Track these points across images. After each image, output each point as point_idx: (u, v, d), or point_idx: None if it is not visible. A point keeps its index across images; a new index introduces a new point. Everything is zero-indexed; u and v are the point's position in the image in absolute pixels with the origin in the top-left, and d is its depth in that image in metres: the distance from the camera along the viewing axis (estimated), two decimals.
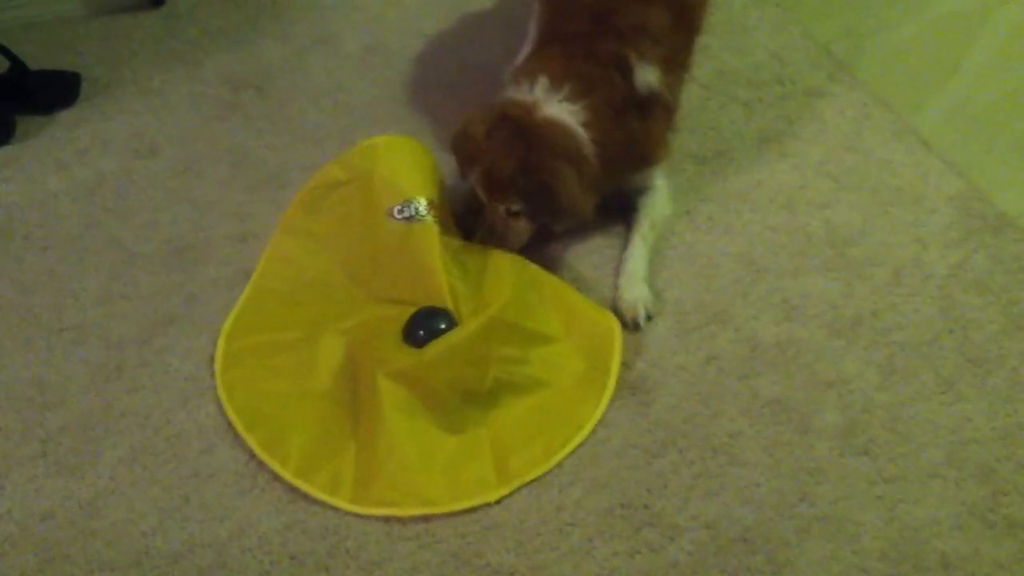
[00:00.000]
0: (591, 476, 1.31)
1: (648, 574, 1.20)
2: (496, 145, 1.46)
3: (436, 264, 1.48)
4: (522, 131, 1.44)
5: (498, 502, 1.28)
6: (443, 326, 1.42)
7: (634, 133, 1.53)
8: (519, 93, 1.50)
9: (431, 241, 1.50)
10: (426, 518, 1.27)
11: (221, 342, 1.50)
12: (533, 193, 1.46)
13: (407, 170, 1.62)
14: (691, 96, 1.97)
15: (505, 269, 1.52)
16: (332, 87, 2.06)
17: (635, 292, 1.52)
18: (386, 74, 2.10)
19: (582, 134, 1.45)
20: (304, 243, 1.64)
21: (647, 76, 1.51)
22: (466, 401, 1.37)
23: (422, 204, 1.55)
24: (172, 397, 1.45)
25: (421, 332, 1.43)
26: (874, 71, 2.02)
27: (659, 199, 1.67)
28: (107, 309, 1.59)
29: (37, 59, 2.09)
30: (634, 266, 1.56)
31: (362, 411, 1.37)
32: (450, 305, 1.45)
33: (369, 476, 1.30)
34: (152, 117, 2.00)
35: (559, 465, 1.32)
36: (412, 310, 1.46)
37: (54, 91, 2.03)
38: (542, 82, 1.48)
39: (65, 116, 2.00)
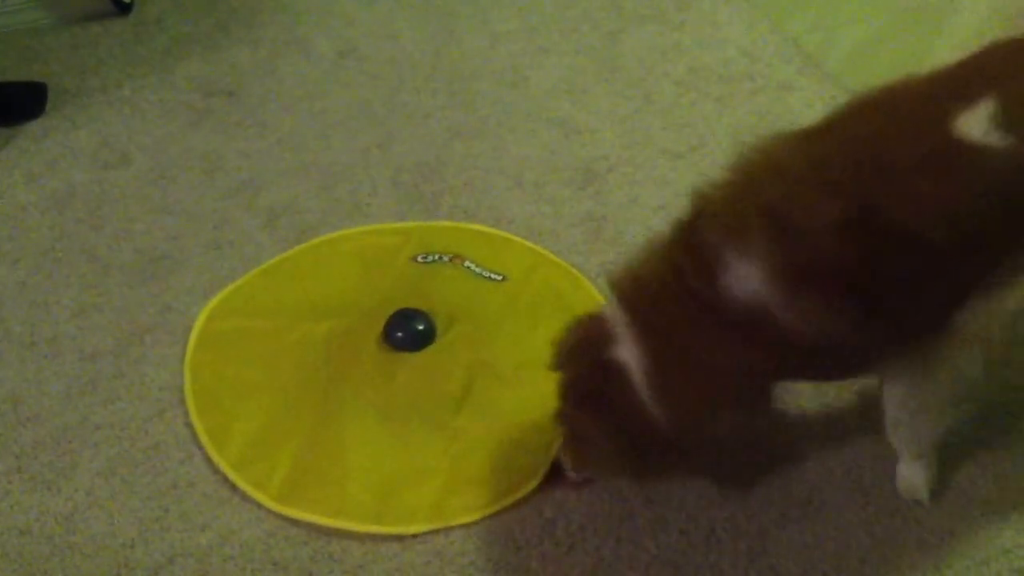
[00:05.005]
0: None
1: (634, 564, 1.20)
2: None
3: (434, 274, 1.48)
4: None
5: (413, 536, 1.23)
6: (421, 327, 1.42)
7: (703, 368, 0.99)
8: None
9: (441, 271, 1.51)
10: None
11: (201, 319, 1.51)
12: (566, 439, 1.20)
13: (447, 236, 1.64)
14: (664, 92, 1.99)
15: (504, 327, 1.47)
16: (305, 92, 2.05)
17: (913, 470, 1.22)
18: (360, 78, 2.09)
19: (639, 380, 1.02)
20: (320, 262, 1.64)
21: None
22: (430, 425, 1.33)
23: (447, 256, 1.57)
24: (149, 408, 1.43)
25: (399, 333, 1.43)
26: (843, 64, 2.05)
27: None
28: (81, 321, 1.57)
29: (2, 70, 2.07)
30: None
31: (320, 409, 1.36)
32: (435, 309, 1.46)
33: (303, 478, 1.29)
34: (122, 126, 1.98)
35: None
36: (391, 310, 1.46)
37: (20, 102, 2.01)
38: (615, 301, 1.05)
39: (33, 127, 1.98)
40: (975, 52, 1.02)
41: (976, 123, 0.92)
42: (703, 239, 0.96)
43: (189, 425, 1.39)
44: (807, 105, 1.93)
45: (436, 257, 1.58)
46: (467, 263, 1.57)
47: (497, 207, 1.74)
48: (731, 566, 1.20)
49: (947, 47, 2.09)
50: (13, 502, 1.32)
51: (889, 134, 0.96)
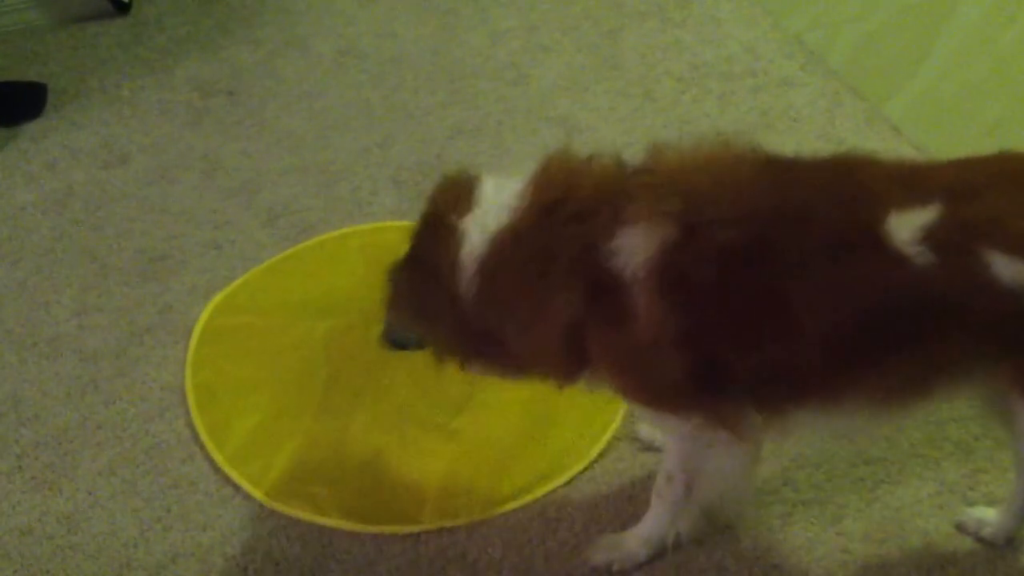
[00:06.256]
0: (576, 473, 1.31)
1: (636, 564, 1.20)
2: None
3: None
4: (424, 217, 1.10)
5: (411, 536, 1.22)
6: None
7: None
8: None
9: None
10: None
11: (205, 314, 1.52)
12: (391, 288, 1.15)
13: None
14: (665, 90, 1.98)
15: None
16: (305, 91, 2.05)
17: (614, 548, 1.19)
18: (359, 77, 2.09)
19: (469, 252, 1.01)
20: (325, 260, 1.64)
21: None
22: (429, 425, 1.33)
23: None
24: (149, 408, 1.43)
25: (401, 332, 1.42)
26: (845, 60, 2.04)
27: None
28: (81, 322, 1.57)
29: (2, 71, 2.06)
30: (642, 525, 1.18)
31: (320, 407, 1.36)
32: None
33: (300, 476, 1.28)
34: (122, 126, 1.98)
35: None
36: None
37: (19, 103, 2.00)
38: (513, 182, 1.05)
39: (32, 128, 1.98)
40: (962, 159, 0.96)
41: (905, 228, 0.87)
42: (596, 201, 0.97)
43: (190, 425, 1.39)
44: (810, 101, 1.93)
45: None
46: None
47: None
48: (733, 565, 1.19)
49: (947, 43, 2.08)
50: (14, 502, 1.32)
51: (819, 202, 0.93)
